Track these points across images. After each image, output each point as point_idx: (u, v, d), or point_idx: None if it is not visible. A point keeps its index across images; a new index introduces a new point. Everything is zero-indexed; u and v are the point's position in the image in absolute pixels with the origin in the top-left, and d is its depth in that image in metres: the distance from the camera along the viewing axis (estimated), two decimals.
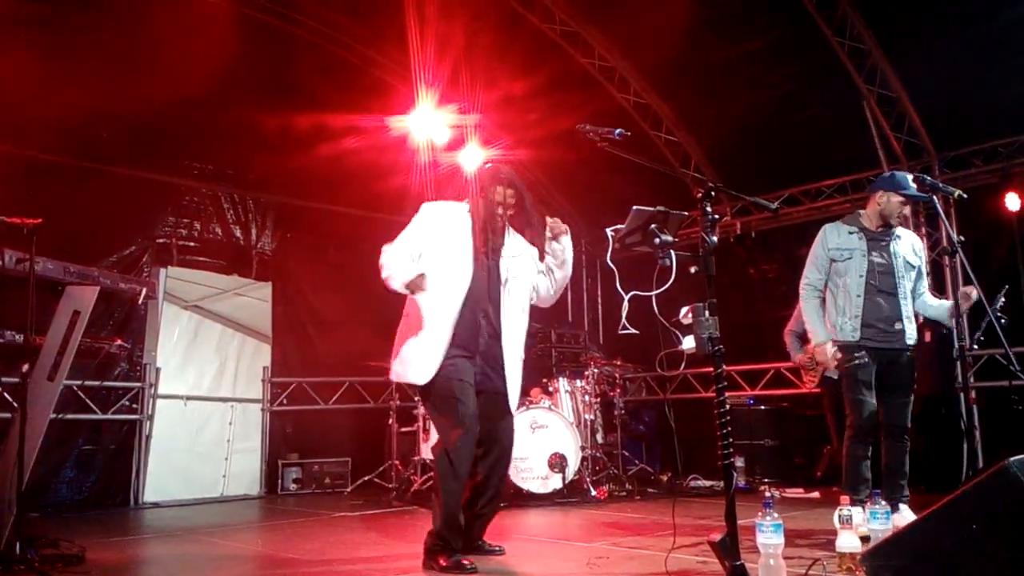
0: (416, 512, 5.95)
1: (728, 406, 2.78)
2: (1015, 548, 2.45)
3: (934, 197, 4.05)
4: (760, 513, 2.94)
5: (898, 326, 4.31)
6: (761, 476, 7.53)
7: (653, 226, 2.73)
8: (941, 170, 7.50)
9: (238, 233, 8.01)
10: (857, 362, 4.21)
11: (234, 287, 8.71)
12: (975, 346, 4.77)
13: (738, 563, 2.61)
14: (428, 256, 3.86)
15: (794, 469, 7.67)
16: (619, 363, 8.04)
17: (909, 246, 4.49)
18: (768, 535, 2.91)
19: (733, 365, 8.60)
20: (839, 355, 4.28)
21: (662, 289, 2.74)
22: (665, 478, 8.18)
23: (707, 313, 2.73)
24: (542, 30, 8.12)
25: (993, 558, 2.48)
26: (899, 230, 4.46)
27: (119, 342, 5.61)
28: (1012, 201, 6.94)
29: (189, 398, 9.06)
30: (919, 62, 7.14)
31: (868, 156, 7.43)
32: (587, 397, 7.20)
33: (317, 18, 8.14)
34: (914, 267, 4.46)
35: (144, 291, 4.38)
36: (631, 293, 2.91)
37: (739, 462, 7.72)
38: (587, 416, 7.15)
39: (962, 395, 7.06)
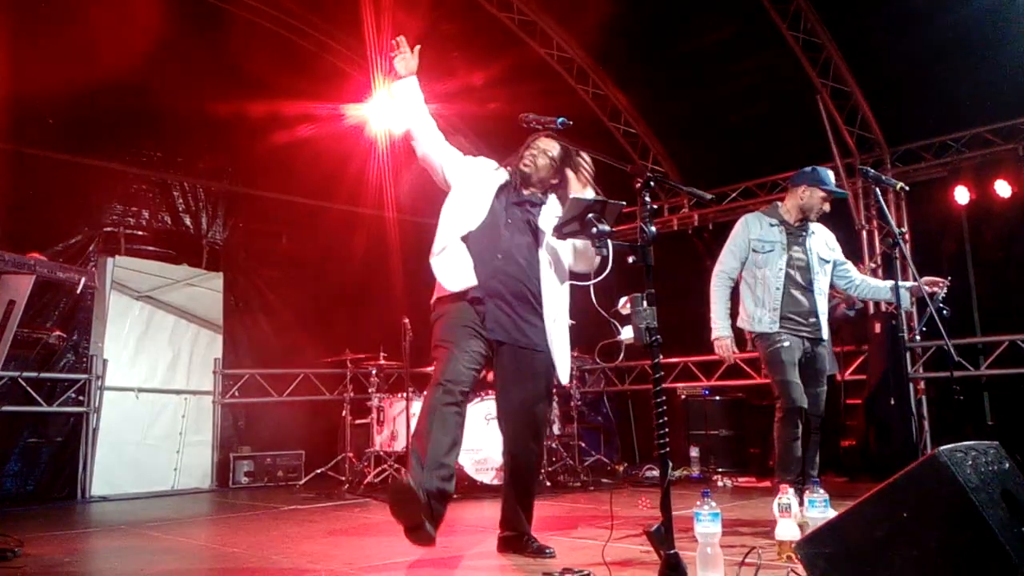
0: (367, 505, 5.89)
1: (665, 396, 2.76)
2: (944, 535, 2.47)
3: (877, 190, 4.07)
4: (698, 502, 2.94)
5: (812, 320, 4.36)
6: (715, 465, 7.59)
7: (591, 215, 2.70)
8: (893, 164, 7.61)
9: (188, 222, 7.86)
10: (781, 344, 4.24)
11: (186, 277, 8.54)
12: (917, 337, 4.84)
13: (672, 552, 2.61)
14: (452, 192, 3.60)
15: (748, 458, 7.75)
16: (576, 354, 8.02)
17: (823, 242, 4.53)
18: (705, 524, 2.90)
19: (689, 356, 8.67)
20: (735, 351, 4.39)
21: (600, 278, 2.72)
22: (621, 468, 8.22)
23: (645, 303, 2.71)
24: (500, 19, 8.07)
25: (923, 545, 2.50)
26: (813, 225, 4.49)
27: (58, 332, 5.48)
28: (961, 194, 7.08)
29: (141, 390, 8.90)
30: (872, 57, 7.25)
31: (823, 149, 7.50)
32: None
33: (269, 3, 8.01)
34: (828, 262, 4.50)
35: (83, 280, 4.25)
36: (567, 282, 2.88)
37: (694, 452, 7.78)
38: None
39: (911, 385, 7.21)
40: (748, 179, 8.57)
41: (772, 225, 4.42)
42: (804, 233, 4.44)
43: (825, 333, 4.39)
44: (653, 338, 2.70)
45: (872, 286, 4.60)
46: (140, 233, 7.54)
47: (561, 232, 2.82)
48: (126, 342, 8.94)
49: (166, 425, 8.95)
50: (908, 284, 4.39)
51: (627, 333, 2.79)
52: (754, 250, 4.39)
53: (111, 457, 7.54)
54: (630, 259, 2.72)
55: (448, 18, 8.12)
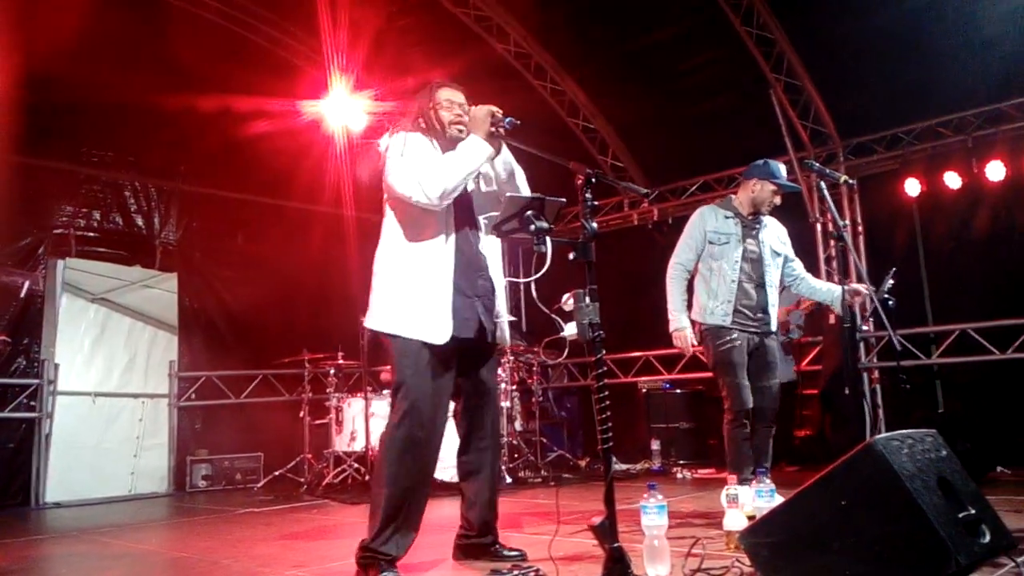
0: (325, 506, 5.85)
1: (607, 392, 2.77)
2: (881, 522, 2.51)
3: (822, 183, 4.10)
4: (645, 495, 2.96)
5: (760, 315, 4.37)
6: (676, 458, 7.65)
7: (529, 212, 2.70)
8: (845, 156, 7.72)
9: (140, 223, 7.74)
10: (731, 345, 4.25)
11: (140, 279, 8.41)
12: (864, 327, 4.92)
13: (616, 545, 2.62)
14: None
15: (708, 450, 7.81)
16: (538, 350, 8.03)
17: (775, 235, 4.54)
18: (652, 516, 2.92)
19: (650, 350, 8.73)
20: (695, 342, 4.37)
21: (538, 275, 2.71)
22: (583, 463, 8.24)
23: (588, 299, 2.71)
24: (456, 15, 8.03)
25: (862, 532, 2.54)
26: (766, 219, 4.50)
27: (3, 337, 5.35)
28: (912, 187, 7.19)
29: (97, 394, 8.75)
30: (824, 51, 7.34)
31: (778, 143, 7.58)
32: (503, 385, 7.19)
33: None
34: (779, 255, 4.52)
35: (26, 284, 4.18)
36: (506, 279, 2.88)
37: (655, 445, 7.84)
38: (504, 404, 7.14)
39: (865, 375, 7.32)
40: (706, 173, 8.64)
41: (727, 218, 4.42)
42: (757, 226, 4.45)
43: (774, 326, 4.42)
44: (596, 334, 2.70)
45: (810, 285, 4.61)
46: (91, 234, 7.40)
47: (500, 230, 2.81)
48: (81, 345, 8.78)
49: (123, 429, 8.81)
50: (838, 289, 4.40)
51: (570, 329, 2.78)
52: (710, 242, 4.39)
53: (67, 462, 7.40)
54: (571, 256, 2.72)
55: (405, 13, 8.07)
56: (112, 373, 9.01)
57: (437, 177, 2.90)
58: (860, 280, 4.45)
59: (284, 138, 7.92)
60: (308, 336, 7.45)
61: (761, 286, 4.37)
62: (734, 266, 4.32)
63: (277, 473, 7.37)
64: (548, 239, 2.66)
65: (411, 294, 3.01)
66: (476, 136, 2.97)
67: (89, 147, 7.43)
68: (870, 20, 6.75)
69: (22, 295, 4.18)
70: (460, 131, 3.10)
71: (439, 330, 2.97)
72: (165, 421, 7.93)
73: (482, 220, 3.20)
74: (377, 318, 3.07)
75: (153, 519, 5.89)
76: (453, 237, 3.05)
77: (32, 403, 6.83)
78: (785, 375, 7.05)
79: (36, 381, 6.85)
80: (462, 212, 3.11)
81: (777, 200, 4.41)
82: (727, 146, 8.12)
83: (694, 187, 8.76)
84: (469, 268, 3.09)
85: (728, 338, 4.27)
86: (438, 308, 2.98)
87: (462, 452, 3.35)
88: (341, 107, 8.02)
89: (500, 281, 3.20)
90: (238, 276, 8.25)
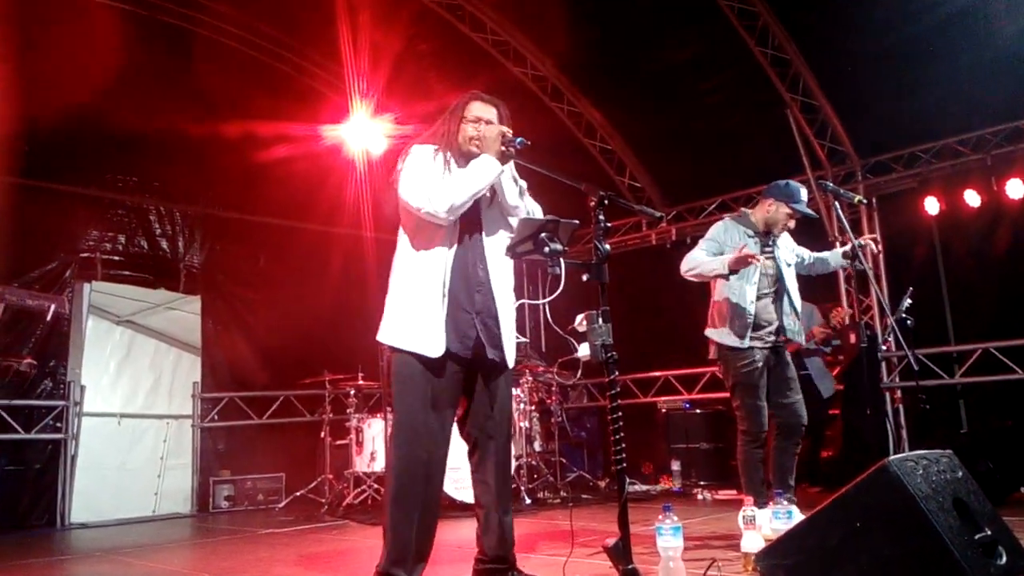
0: (345, 526, 5.88)
1: (620, 413, 2.79)
2: (895, 543, 2.51)
3: (837, 203, 4.11)
4: (660, 516, 2.97)
5: (776, 329, 4.34)
6: (696, 479, 7.61)
7: (543, 235, 2.74)
8: (863, 175, 7.70)
9: (165, 246, 7.87)
10: (752, 366, 4.24)
11: (165, 301, 8.56)
12: (883, 347, 4.88)
13: (630, 567, 2.62)
14: None
15: (729, 471, 7.75)
16: (556, 370, 8.05)
17: (787, 249, 4.53)
18: (667, 538, 2.93)
19: (670, 370, 8.72)
20: (743, 252, 4.10)
21: (552, 297, 2.74)
22: (603, 484, 8.22)
23: (601, 320, 2.74)
24: (474, 40, 8.15)
25: (876, 553, 2.54)
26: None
27: (29, 360, 5.45)
28: (931, 205, 7.17)
29: (122, 415, 8.89)
30: (840, 70, 7.33)
31: (795, 162, 7.57)
32: (522, 405, 7.20)
33: (243, 26, 8.06)
34: (790, 265, 4.49)
35: (52, 307, 4.27)
36: (519, 301, 2.91)
37: (675, 465, 7.80)
38: (523, 424, 7.15)
39: (888, 395, 7.26)
40: (724, 193, 8.65)
41: (748, 236, 4.39)
42: (771, 245, 4.44)
43: (790, 335, 4.38)
44: (608, 355, 2.73)
45: (822, 260, 4.56)
46: (117, 258, 7.53)
47: (514, 252, 2.85)
48: (106, 367, 8.96)
49: (147, 450, 8.96)
50: (843, 249, 4.36)
51: (584, 350, 2.81)
52: None
53: (92, 483, 7.51)
54: (584, 277, 2.75)
55: (424, 38, 8.21)
56: (137, 394, 9.18)
57: (446, 192, 2.93)
58: (881, 305, 4.42)
59: (305, 162, 8.06)
60: (329, 357, 7.51)
61: (779, 300, 4.36)
62: (753, 286, 4.30)
63: (298, 494, 7.42)
64: (562, 261, 2.70)
65: (408, 306, 3.02)
66: (487, 155, 3.01)
67: (115, 172, 7.60)
68: (886, 38, 6.75)
69: (48, 318, 4.28)
70: (476, 147, 3.12)
71: (432, 343, 2.94)
72: (189, 442, 8.01)
73: (500, 240, 3.17)
74: (381, 329, 3.11)
75: (176, 539, 5.94)
76: (454, 250, 3.05)
77: (58, 424, 6.93)
78: (826, 390, 7.04)
79: (62, 403, 6.96)
80: (468, 227, 3.11)
81: (791, 224, 4.38)
82: (744, 165, 8.14)
83: (712, 207, 8.78)
84: (467, 282, 3.05)
85: (749, 359, 4.25)
86: (431, 321, 2.96)
87: (472, 473, 3.25)
88: (361, 131, 8.15)
89: (508, 300, 3.15)
90: (260, 298, 8.36)
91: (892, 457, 2.56)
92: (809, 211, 4.38)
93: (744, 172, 8.20)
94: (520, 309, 3.25)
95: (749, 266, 4.19)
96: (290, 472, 7.85)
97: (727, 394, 8.07)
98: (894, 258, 7.54)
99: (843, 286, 7.70)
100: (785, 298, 4.36)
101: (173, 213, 7.97)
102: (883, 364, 7.37)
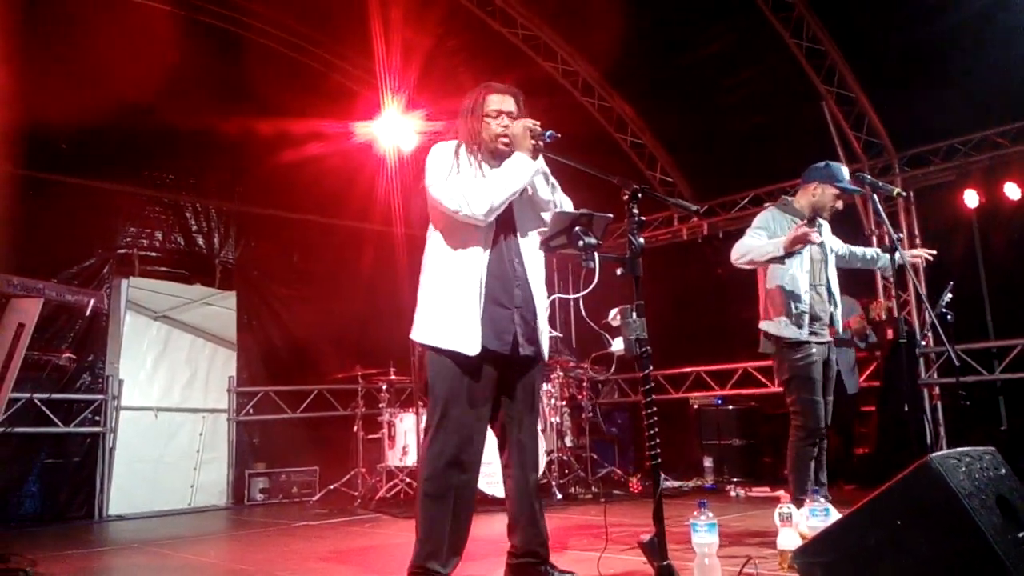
0: (378, 520, 5.92)
1: (655, 408, 2.78)
2: (936, 542, 2.46)
3: (875, 195, 4.04)
4: (695, 513, 2.94)
5: (829, 319, 4.28)
6: (729, 476, 7.56)
7: (577, 228, 2.72)
8: (901, 168, 7.58)
9: (200, 242, 7.97)
10: (810, 360, 4.15)
11: (201, 297, 8.67)
12: (923, 342, 4.76)
13: (665, 563, 2.61)
14: None
15: (762, 468, 7.70)
16: (587, 365, 8.02)
17: (831, 236, 4.46)
18: (702, 535, 2.91)
19: (702, 365, 8.66)
20: (800, 230, 4.02)
21: (587, 291, 2.73)
22: (635, 480, 8.18)
23: (635, 315, 2.72)
24: (505, 35, 8.14)
25: (916, 553, 2.50)
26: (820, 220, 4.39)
27: (68, 354, 5.55)
28: (970, 198, 7.03)
29: (159, 409, 9.01)
30: (876, 61, 7.22)
31: (830, 156, 7.43)
32: (553, 400, 7.19)
33: (277, 24, 8.14)
34: (834, 251, 4.42)
35: (91, 302, 4.33)
36: (552, 296, 2.90)
37: (707, 462, 7.76)
38: (554, 419, 7.14)
39: (926, 391, 7.14)
40: (756, 187, 8.56)
41: (795, 223, 4.25)
42: (819, 228, 4.33)
43: (840, 328, 4.33)
44: (643, 349, 2.71)
45: (855, 253, 4.49)
46: (153, 254, 7.64)
47: (548, 246, 2.83)
48: (143, 361, 9.08)
49: (183, 443, 9.07)
50: (884, 256, 4.30)
51: (617, 345, 2.80)
52: None
53: (129, 476, 7.63)
54: (619, 271, 2.74)
55: (455, 34, 8.22)
56: (173, 388, 9.30)
57: (484, 194, 2.92)
58: (919, 299, 4.33)
59: (337, 159, 8.12)
60: (361, 352, 7.57)
61: (829, 290, 4.30)
62: (805, 274, 4.21)
63: (332, 487, 7.48)
64: (596, 255, 2.68)
65: (444, 305, 3.01)
66: (520, 153, 2.99)
67: (151, 170, 7.70)
68: (923, 29, 6.63)
69: (87, 313, 4.36)
70: (505, 144, 3.09)
71: (469, 341, 2.93)
72: (224, 435, 8.12)
73: (533, 234, 3.16)
74: (415, 329, 3.10)
75: (212, 531, 6.03)
76: (490, 248, 3.03)
77: (96, 418, 7.05)
78: (851, 387, 6.95)
79: (101, 397, 7.08)
80: (502, 224, 3.09)
81: (839, 204, 4.32)
82: (777, 159, 8.03)
83: (744, 200, 8.68)
84: (505, 278, 3.04)
85: (808, 352, 4.17)
86: (468, 318, 2.95)
87: (503, 468, 3.24)
88: (393, 127, 8.18)
89: (542, 294, 3.14)
90: (294, 294, 8.44)
91: (934, 454, 2.52)
92: (855, 187, 4.31)
93: (777, 165, 8.08)
94: (552, 303, 3.22)
95: (805, 246, 4.10)
96: (324, 465, 7.92)
97: (759, 390, 8.13)
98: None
99: (880, 281, 7.58)
100: (828, 289, 4.29)
101: (208, 210, 8.06)
102: (921, 360, 7.24)
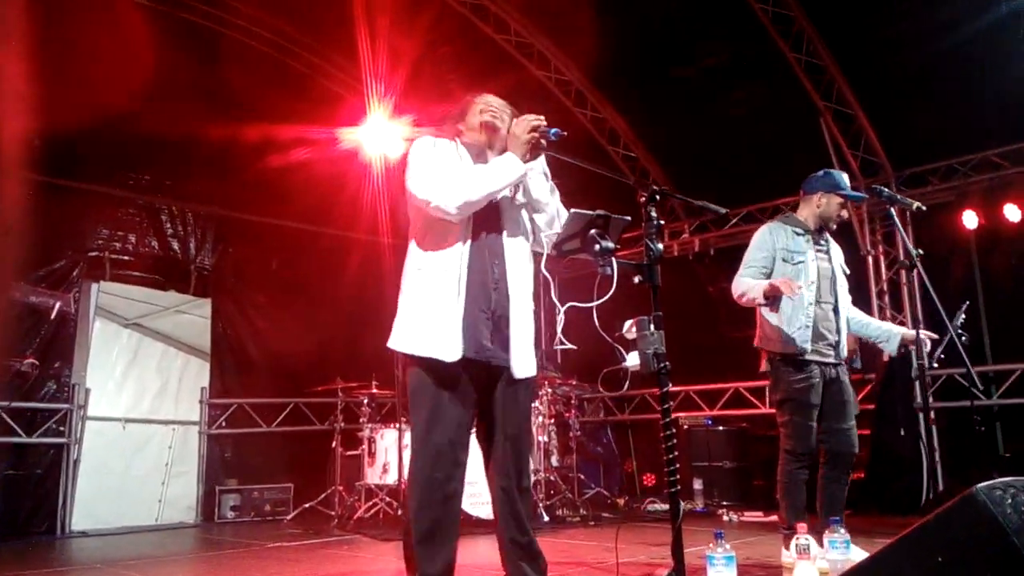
0: (356, 541, 5.62)
1: (675, 429, 2.54)
2: None
3: (892, 210, 3.85)
4: (711, 544, 2.72)
5: (837, 339, 4.03)
6: (719, 499, 7.34)
7: (593, 231, 2.50)
8: (898, 187, 7.44)
9: (175, 247, 7.67)
10: (809, 382, 3.90)
11: (174, 304, 8.35)
12: (935, 364, 4.56)
13: None
14: None
15: (753, 491, 7.48)
16: (575, 383, 7.79)
17: (840, 253, 4.25)
18: (719, 569, 2.69)
19: (692, 385, 8.46)
20: (782, 282, 3.83)
21: (602, 300, 2.49)
22: (622, 502, 7.95)
23: (652, 327, 2.50)
24: (497, 41, 7.95)
25: None
26: (828, 235, 4.21)
27: (30, 360, 5.24)
28: (969, 219, 6.90)
29: (127, 420, 8.65)
30: (876, 79, 7.12)
31: None
32: (540, 418, 6.95)
33: (260, 24, 7.89)
34: (846, 274, 4.22)
35: (57, 305, 4.05)
36: (567, 304, 2.66)
37: (697, 484, 7.53)
38: (540, 438, 6.90)
39: (921, 415, 6.97)
40: (750, 204, 8.40)
41: (798, 235, 4.07)
42: (825, 243, 4.15)
43: (845, 352, 4.09)
44: (661, 365, 2.48)
45: (859, 320, 4.25)
46: (126, 258, 7.32)
47: (560, 250, 2.61)
48: (112, 370, 8.72)
49: (152, 456, 8.71)
50: (899, 331, 4.14)
51: (632, 359, 2.57)
52: (783, 260, 4.02)
53: (94, 489, 7.29)
54: (636, 279, 2.52)
55: (445, 40, 7.99)
56: (143, 399, 8.93)
57: (460, 188, 2.69)
58: (916, 322, 4.15)
59: (322, 165, 7.87)
60: (342, 364, 7.26)
61: (834, 308, 4.05)
62: (810, 287, 3.97)
63: (307, 505, 7.18)
64: (614, 260, 2.45)
65: (422, 308, 2.77)
66: (512, 155, 2.75)
67: (127, 170, 7.40)
68: (924, 48, 6.52)
69: (53, 316, 4.06)
70: (494, 128, 2.89)
71: (448, 346, 2.69)
72: (195, 449, 7.80)
73: (520, 236, 2.92)
74: (392, 336, 2.85)
75: (179, 551, 5.70)
76: (469, 246, 2.79)
77: (61, 428, 6.72)
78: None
79: (66, 406, 6.74)
80: (485, 223, 2.84)
81: (844, 213, 4.12)
82: (772, 175, 7.85)
83: (737, 218, 8.52)
84: (484, 280, 2.79)
85: (807, 373, 3.90)
86: (447, 322, 2.71)
87: (489, 488, 2.94)
88: (379, 133, 7.93)
89: (524, 303, 2.85)
90: (272, 302, 8.16)
91: (980, 484, 2.30)
92: (859, 194, 4.13)
93: (771, 182, 7.92)
94: (548, 314, 2.95)
95: (783, 295, 3.86)
96: (299, 482, 7.60)
97: (750, 411, 7.94)
98: (929, 274, 7.24)
99: (875, 301, 7.43)
100: (835, 310, 4.05)
101: (185, 213, 7.76)
102: (916, 383, 7.09)
